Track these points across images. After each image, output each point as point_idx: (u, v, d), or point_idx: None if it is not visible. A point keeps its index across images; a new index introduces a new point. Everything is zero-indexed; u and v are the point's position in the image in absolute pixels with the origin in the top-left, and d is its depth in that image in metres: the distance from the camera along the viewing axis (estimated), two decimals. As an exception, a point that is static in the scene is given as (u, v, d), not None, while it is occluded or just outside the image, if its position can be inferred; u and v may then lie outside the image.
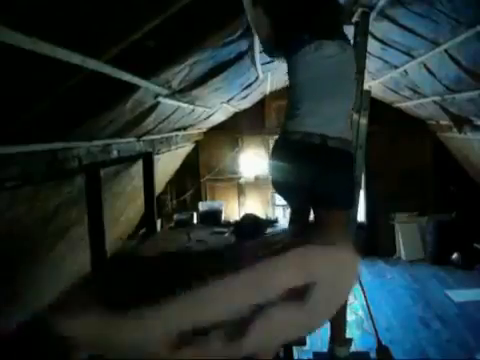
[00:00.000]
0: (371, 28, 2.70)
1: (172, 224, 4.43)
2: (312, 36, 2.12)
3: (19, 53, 1.10)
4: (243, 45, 2.56)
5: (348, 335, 2.35)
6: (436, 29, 2.50)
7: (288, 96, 2.23)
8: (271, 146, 2.26)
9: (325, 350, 2.65)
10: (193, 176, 6.61)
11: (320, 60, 2.10)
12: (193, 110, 3.67)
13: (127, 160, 3.36)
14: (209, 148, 6.57)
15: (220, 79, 2.93)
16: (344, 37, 2.23)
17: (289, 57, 2.19)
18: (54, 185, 2.28)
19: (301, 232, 2.35)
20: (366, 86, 4.18)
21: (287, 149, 2.14)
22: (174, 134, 4.39)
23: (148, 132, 3.26)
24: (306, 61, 2.12)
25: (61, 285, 3.24)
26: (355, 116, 2.52)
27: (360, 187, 2.61)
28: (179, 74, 2.33)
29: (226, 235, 3.71)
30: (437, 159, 6.26)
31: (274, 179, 2.23)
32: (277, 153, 2.20)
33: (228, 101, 4.53)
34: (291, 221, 2.40)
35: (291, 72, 2.20)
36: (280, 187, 2.23)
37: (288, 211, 6.42)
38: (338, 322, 2.24)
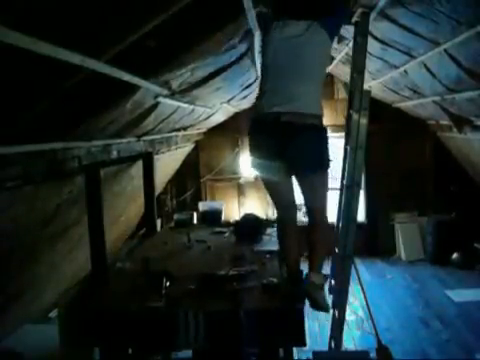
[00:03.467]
0: (371, 28, 2.70)
1: (172, 224, 4.43)
2: (280, 15, 2.20)
3: (19, 53, 1.10)
4: (243, 46, 2.57)
5: (348, 334, 2.35)
6: (436, 29, 2.50)
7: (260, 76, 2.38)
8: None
9: (325, 350, 2.66)
10: (193, 176, 6.61)
11: (282, 40, 2.18)
12: (193, 110, 3.67)
13: (127, 160, 3.36)
14: (209, 148, 6.57)
15: (220, 79, 2.93)
16: (323, 21, 2.21)
17: (263, 37, 2.30)
18: (54, 185, 2.28)
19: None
20: (366, 86, 4.19)
21: (256, 129, 2.30)
22: (174, 134, 4.40)
23: (148, 132, 3.27)
24: (271, 41, 2.21)
25: (61, 285, 3.24)
26: (355, 116, 2.52)
27: (360, 187, 2.61)
28: (179, 76, 2.34)
29: (226, 235, 3.71)
30: (437, 159, 6.27)
31: (249, 151, 2.36)
32: (250, 133, 2.34)
33: (228, 101, 4.53)
34: (278, 220, 2.48)
35: (262, 52, 2.33)
36: (257, 164, 2.35)
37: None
38: (318, 250, 2.35)
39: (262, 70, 2.36)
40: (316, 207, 2.36)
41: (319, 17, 2.19)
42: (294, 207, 2.44)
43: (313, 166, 2.27)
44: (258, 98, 2.34)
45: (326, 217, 2.36)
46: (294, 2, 2.26)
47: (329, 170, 2.34)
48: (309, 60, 2.21)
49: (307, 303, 2.29)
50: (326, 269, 2.53)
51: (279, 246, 2.50)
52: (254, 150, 2.32)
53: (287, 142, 2.18)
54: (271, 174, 2.34)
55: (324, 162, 2.29)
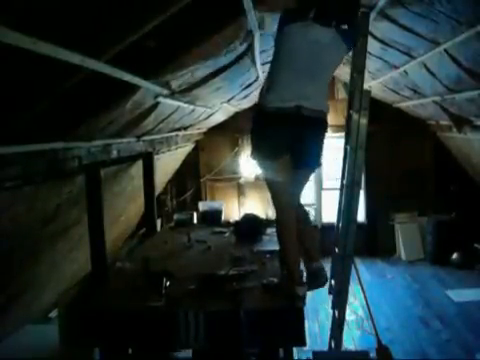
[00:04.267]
0: (371, 28, 2.70)
1: (172, 224, 4.43)
2: (308, 16, 2.23)
3: (19, 53, 1.10)
4: (243, 47, 2.57)
5: (348, 334, 2.36)
6: (436, 29, 2.50)
7: (270, 67, 2.39)
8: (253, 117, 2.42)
9: (325, 350, 2.66)
10: (193, 176, 6.62)
11: (307, 41, 2.22)
12: (193, 110, 3.67)
13: (127, 160, 3.36)
14: (209, 148, 6.57)
15: (220, 79, 2.93)
16: (343, 33, 2.25)
17: (282, 26, 2.29)
18: (54, 185, 2.28)
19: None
20: (366, 86, 4.19)
21: (268, 119, 2.29)
22: (174, 134, 4.39)
23: (148, 132, 3.26)
24: (292, 36, 2.23)
25: (61, 285, 3.24)
26: (355, 116, 2.52)
27: (360, 187, 2.61)
28: (180, 76, 2.34)
29: (226, 235, 3.71)
30: (437, 159, 6.27)
31: (255, 147, 2.37)
32: (259, 123, 2.35)
33: (228, 101, 4.53)
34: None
35: (277, 41, 2.33)
36: (260, 154, 2.38)
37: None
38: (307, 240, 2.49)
39: (274, 61, 2.34)
40: (297, 196, 2.51)
41: (343, 29, 2.25)
42: (294, 206, 2.45)
43: (316, 162, 2.41)
44: (267, 90, 2.32)
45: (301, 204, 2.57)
46: (329, 9, 2.28)
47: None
48: (326, 65, 2.31)
49: (307, 303, 2.29)
50: (326, 269, 2.54)
51: (279, 245, 2.50)
52: (262, 140, 2.32)
53: (304, 135, 2.27)
54: (276, 172, 2.36)
55: (321, 160, 2.45)
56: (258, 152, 2.35)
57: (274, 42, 2.37)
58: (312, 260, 2.46)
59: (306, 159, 2.35)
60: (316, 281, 2.45)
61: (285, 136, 2.26)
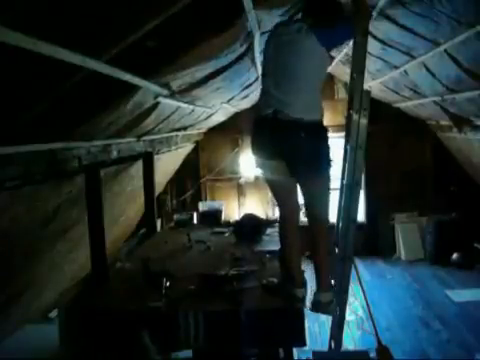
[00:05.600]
0: (371, 28, 2.70)
1: (172, 224, 4.43)
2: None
3: (19, 53, 1.10)
4: (243, 47, 2.57)
5: (348, 334, 2.36)
6: (436, 29, 2.50)
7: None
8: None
9: (325, 350, 2.66)
10: (193, 176, 6.61)
11: (280, 41, 2.26)
12: (193, 110, 3.67)
13: (127, 160, 3.36)
14: (209, 148, 6.57)
15: (220, 79, 2.92)
16: (320, 34, 2.23)
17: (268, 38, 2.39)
18: (54, 185, 2.28)
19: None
20: (366, 86, 4.19)
21: (256, 127, 2.34)
22: (174, 134, 4.39)
23: (148, 132, 3.26)
24: (272, 41, 2.31)
25: (61, 285, 3.24)
26: (355, 116, 2.52)
27: (360, 187, 2.61)
28: (180, 77, 2.34)
29: (226, 235, 3.71)
30: (437, 159, 6.26)
31: (254, 156, 2.39)
32: (251, 132, 2.38)
33: (228, 101, 4.53)
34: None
35: (263, 51, 2.41)
36: (259, 163, 2.40)
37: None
38: (323, 268, 2.40)
39: (262, 70, 2.45)
40: (315, 213, 2.37)
41: (316, 25, 2.23)
42: (296, 207, 2.45)
43: (309, 168, 2.27)
44: (259, 97, 2.42)
45: (326, 225, 2.37)
46: (306, 10, 2.34)
47: (329, 173, 2.34)
48: (307, 70, 2.25)
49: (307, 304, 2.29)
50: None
51: (280, 245, 2.50)
52: (255, 149, 2.35)
53: (283, 141, 2.22)
54: (272, 173, 2.36)
55: (321, 164, 2.29)
56: (253, 155, 2.39)
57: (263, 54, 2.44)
58: (322, 287, 2.36)
59: (297, 165, 2.28)
60: (319, 311, 2.38)
61: (268, 142, 2.26)
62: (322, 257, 2.38)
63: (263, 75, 2.42)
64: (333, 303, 2.39)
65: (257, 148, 2.33)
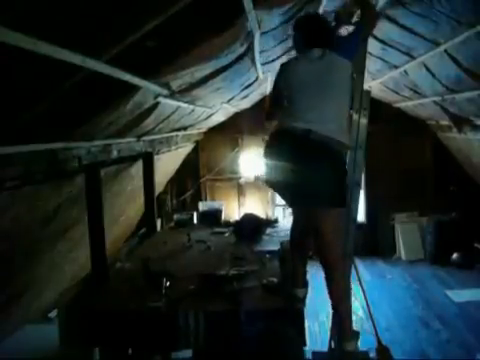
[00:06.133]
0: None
1: (172, 224, 4.43)
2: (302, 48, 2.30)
3: (19, 53, 1.10)
4: (243, 47, 2.57)
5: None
6: (436, 29, 2.50)
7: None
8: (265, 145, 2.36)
9: (325, 350, 2.66)
10: (193, 176, 6.61)
11: (303, 67, 2.23)
12: (193, 110, 3.67)
13: (127, 160, 3.36)
14: (209, 148, 6.57)
15: (220, 79, 2.92)
16: (338, 45, 2.27)
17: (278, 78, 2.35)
18: (54, 185, 2.28)
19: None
20: (366, 86, 4.18)
21: (276, 145, 2.23)
22: (174, 134, 4.39)
23: (148, 132, 3.26)
24: (292, 68, 2.28)
25: (61, 285, 3.24)
26: (355, 116, 2.52)
27: (360, 187, 2.61)
28: (180, 77, 2.34)
29: (226, 235, 3.71)
30: (437, 159, 6.26)
31: (267, 176, 2.30)
32: (269, 150, 2.28)
33: (228, 101, 4.53)
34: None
35: (282, 77, 2.33)
36: (272, 183, 2.30)
37: (288, 211, 6.45)
38: (347, 316, 2.28)
39: (279, 100, 2.29)
40: (330, 257, 2.18)
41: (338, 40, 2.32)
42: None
43: (327, 198, 2.11)
44: (281, 118, 2.30)
45: (343, 267, 2.23)
46: (315, 35, 2.30)
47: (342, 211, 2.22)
48: (335, 84, 2.21)
49: (307, 303, 2.29)
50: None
51: (290, 246, 2.48)
52: (272, 156, 2.22)
53: (308, 163, 2.09)
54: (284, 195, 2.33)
55: (341, 198, 2.16)
56: (266, 159, 2.28)
57: (274, 89, 2.37)
58: (346, 337, 2.25)
59: (313, 193, 2.10)
60: None
61: (291, 157, 2.10)
62: (346, 306, 2.26)
63: (281, 102, 2.26)
64: (357, 346, 2.31)
65: (275, 157, 2.19)
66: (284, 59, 3.51)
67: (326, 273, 2.21)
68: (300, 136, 2.09)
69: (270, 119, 2.48)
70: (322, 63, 2.19)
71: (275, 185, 2.30)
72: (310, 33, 2.28)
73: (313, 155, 2.09)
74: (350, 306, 2.32)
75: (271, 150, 2.24)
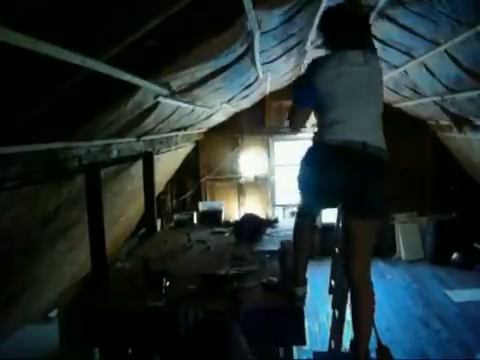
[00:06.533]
0: (371, 28, 2.70)
1: (172, 224, 4.43)
2: (338, 47, 2.14)
3: (19, 53, 1.10)
4: (243, 47, 2.57)
5: (348, 335, 2.35)
6: (436, 29, 2.50)
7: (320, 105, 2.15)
8: (304, 152, 2.21)
9: (325, 350, 2.66)
10: (193, 176, 6.61)
11: (350, 69, 2.08)
12: (193, 110, 3.67)
13: (127, 160, 3.36)
14: (209, 148, 6.57)
15: (220, 79, 2.92)
16: (370, 46, 2.22)
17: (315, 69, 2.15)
18: (54, 185, 2.28)
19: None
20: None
21: (326, 154, 2.10)
22: (174, 134, 4.39)
23: (148, 132, 3.26)
24: (335, 71, 2.09)
25: (61, 285, 3.24)
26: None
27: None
28: (180, 77, 2.34)
29: (226, 235, 3.71)
30: (437, 159, 6.26)
31: (307, 183, 2.18)
32: (313, 158, 2.15)
33: (228, 101, 4.52)
34: (299, 215, 2.40)
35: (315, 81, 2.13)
36: (312, 191, 2.16)
37: (288, 211, 6.45)
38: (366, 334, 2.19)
39: (322, 105, 2.13)
40: (359, 265, 2.12)
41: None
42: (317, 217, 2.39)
43: (376, 210, 2.11)
44: (322, 127, 2.15)
45: (369, 279, 2.13)
46: (349, 33, 2.16)
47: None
48: (375, 88, 2.16)
49: (307, 303, 2.29)
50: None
51: (293, 247, 2.45)
52: (313, 173, 2.12)
53: (367, 176, 2.06)
54: (320, 199, 2.19)
55: (385, 210, 2.17)
56: (304, 184, 2.17)
57: (305, 88, 2.16)
58: (357, 354, 2.13)
59: (366, 207, 2.07)
60: None
61: (341, 172, 2.02)
62: (367, 320, 2.16)
63: (324, 108, 2.12)
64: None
65: (321, 173, 2.07)
66: (284, 59, 3.51)
67: (350, 278, 2.15)
68: (357, 151, 2.03)
69: (296, 125, 2.26)
70: (367, 67, 2.10)
71: (319, 195, 2.15)
72: (352, 32, 2.13)
73: (370, 169, 2.06)
74: (371, 327, 2.22)
75: (322, 165, 2.10)
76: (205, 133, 6.31)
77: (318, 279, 3.53)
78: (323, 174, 2.07)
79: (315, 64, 2.15)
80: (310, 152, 2.19)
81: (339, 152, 2.04)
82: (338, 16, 2.19)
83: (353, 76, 2.09)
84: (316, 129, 2.20)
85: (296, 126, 2.26)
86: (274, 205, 6.61)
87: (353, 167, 2.03)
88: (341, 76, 2.07)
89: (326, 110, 2.11)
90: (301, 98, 2.22)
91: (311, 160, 2.16)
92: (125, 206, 4.15)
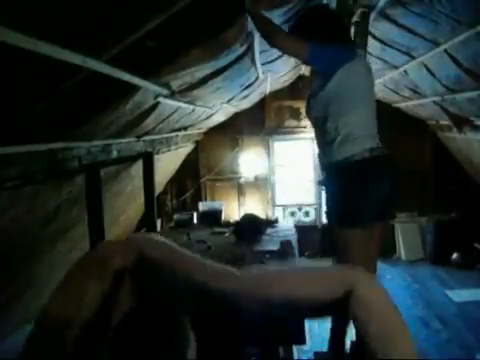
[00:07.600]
0: (371, 28, 2.70)
1: (172, 224, 4.43)
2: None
3: (19, 53, 1.10)
4: (243, 47, 2.57)
5: (348, 338, 2.35)
6: (436, 29, 2.50)
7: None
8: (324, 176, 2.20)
9: (325, 350, 2.66)
10: (193, 176, 6.61)
11: (357, 68, 2.07)
12: (193, 110, 3.67)
13: (127, 160, 3.36)
14: (209, 148, 6.57)
15: (220, 79, 2.93)
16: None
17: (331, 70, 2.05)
18: (54, 185, 2.28)
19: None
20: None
21: (364, 169, 2.08)
22: (174, 134, 4.39)
23: (148, 132, 3.26)
24: (350, 75, 2.05)
25: (61, 285, 3.24)
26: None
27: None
28: (180, 77, 2.34)
29: (226, 235, 3.71)
30: (437, 159, 6.26)
31: (348, 206, 2.07)
32: (354, 176, 2.08)
33: (228, 101, 4.53)
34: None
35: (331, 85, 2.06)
36: (357, 212, 2.07)
37: (288, 211, 6.44)
38: None
39: (337, 109, 2.09)
40: (371, 267, 2.12)
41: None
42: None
43: (393, 211, 2.20)
44: (342, 141, 2.11)
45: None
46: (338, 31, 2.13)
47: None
48: (372, 90, 2.17)
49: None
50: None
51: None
52: (358, 198, 2.05)
53: (397, 180, 2.12)
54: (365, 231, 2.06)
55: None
56: (352, 214, 2.03)
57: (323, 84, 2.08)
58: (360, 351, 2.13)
59: (389, 209, 2.13)
60: None
61: (383, 188, 2.02)
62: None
63: (344, 114, 2.09)
64: None
65: (363, 201, 2.02)
66: (284, 59, 3.50)
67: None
68: (384, 157, 2.10)
69: (277, 43, 2.07)
70: (366, 65, 2.11)
71: (361, 209, 2.06)
72: (339, 27, 2.13)
73: (396, 172, 2.14)
74: None
75: (365, 181, 2.05)
76: (205, 133, 6.32)
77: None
78: (369, 189, 2.04)
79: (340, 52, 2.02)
80: (345, 171, 2.09)
81: (372, 163, 2.07)
82: (322, 15, 2.18)
83: (361, 75, 2.10)
84: (327, 146, 2.15)
85: (275, 43, 2.08)
86: (274, 205, 6.61)
87: (388, 173, 2.08)
88: (353, 72, 2.06)
89: (340, 115, 2.06)
90: (319, 51, 2.02)
91: (354, 178, 2.08)
92: (125, 206, 4.15)
